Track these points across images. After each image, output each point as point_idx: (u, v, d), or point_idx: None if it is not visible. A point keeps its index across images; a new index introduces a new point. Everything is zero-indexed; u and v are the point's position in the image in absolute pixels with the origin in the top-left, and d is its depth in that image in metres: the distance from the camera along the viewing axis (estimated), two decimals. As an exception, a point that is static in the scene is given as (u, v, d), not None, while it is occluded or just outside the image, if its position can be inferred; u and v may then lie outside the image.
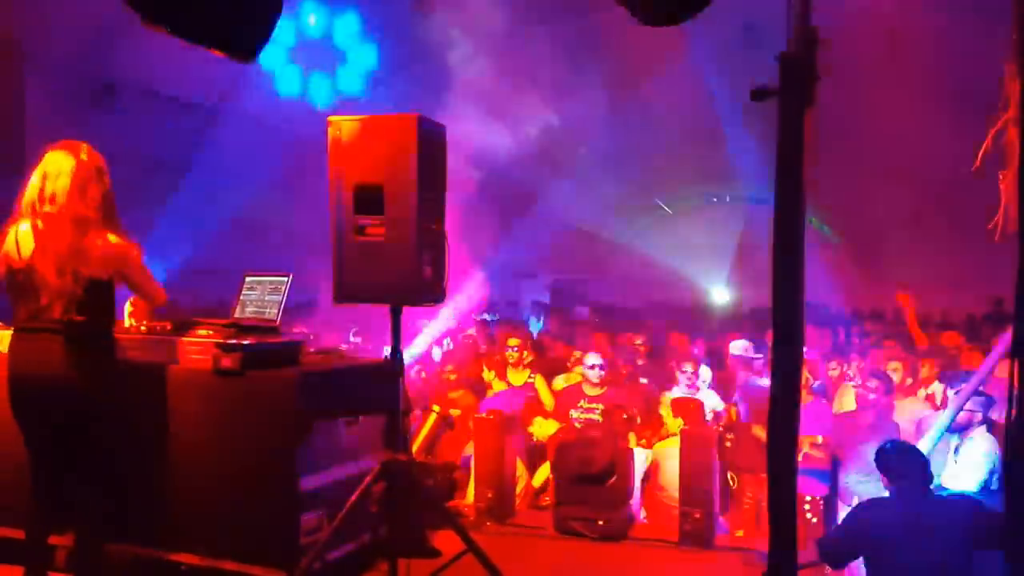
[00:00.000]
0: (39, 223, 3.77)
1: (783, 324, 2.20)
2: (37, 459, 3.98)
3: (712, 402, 7.24)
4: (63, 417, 3.85)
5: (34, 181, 3.81)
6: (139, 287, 4.09)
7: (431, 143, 4.05)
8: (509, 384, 7.81)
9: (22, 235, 3.79)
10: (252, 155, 11.73)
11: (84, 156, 3.85)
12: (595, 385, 7.18)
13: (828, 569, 4.43)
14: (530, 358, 8.25)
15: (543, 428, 7.24)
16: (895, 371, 7.24)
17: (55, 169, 3.80)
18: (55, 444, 3.92)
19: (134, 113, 10.92)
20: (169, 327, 4.56)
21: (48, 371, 3.79)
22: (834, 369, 7.74)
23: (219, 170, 11.61)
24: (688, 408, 6.70)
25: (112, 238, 3.85)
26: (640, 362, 8.92)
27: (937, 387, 6.94)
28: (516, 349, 7.99)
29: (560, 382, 8.14)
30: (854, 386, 7.23)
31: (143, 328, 4.56)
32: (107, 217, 3.86)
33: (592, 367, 7.22)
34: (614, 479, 5.76)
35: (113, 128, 9.80)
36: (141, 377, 4.34)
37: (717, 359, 8.76)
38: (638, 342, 9.37)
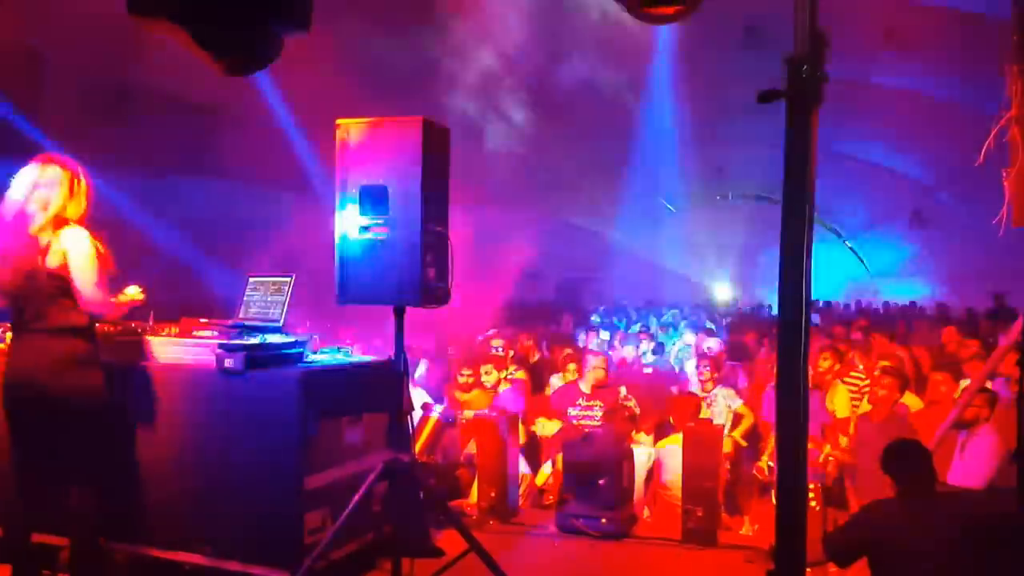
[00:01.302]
0: (7, 229, 3.90)
1: (789, 322, 2.21)
2: (26, 459, 4.01)
3: (727, 398, 7.31)
4: (48, 417, 3.89)
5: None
6: (77, 280, 3.91)
7: (436, 145, 4.07)
8: (507, 381, 7.88)
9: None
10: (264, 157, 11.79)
11: (47, 167, 3.97)
12: (597, 386, 7.22)
13: (832, 567, 4.43)
14: (511, 353, 8.42)
15: (545, 428, 7.26)
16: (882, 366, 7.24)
17: (19, 180, 3.95)
18: (45, 444, 3.94)
19: (148, 118, 10.98)
20: (173, 327, 4.57)
21: (32, 371, 3.86)
22: (826, 359, 7.72)
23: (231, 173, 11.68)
24: (684, 405, 6.71)
25: (63, 232, 3.89)
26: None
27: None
28: (501, 349, 8.19)
29: (557, 381, 8.20)
30: (864, 386, 7.25)
31: (148, 328, 4.57)
32: (62, 217, 3.93)
33: (595, 368, 7.26)
34: (619, 472, 5.79)
35: (127, 133, 9.88)
36: (145, 377, 4.35)
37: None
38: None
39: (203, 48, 2.78)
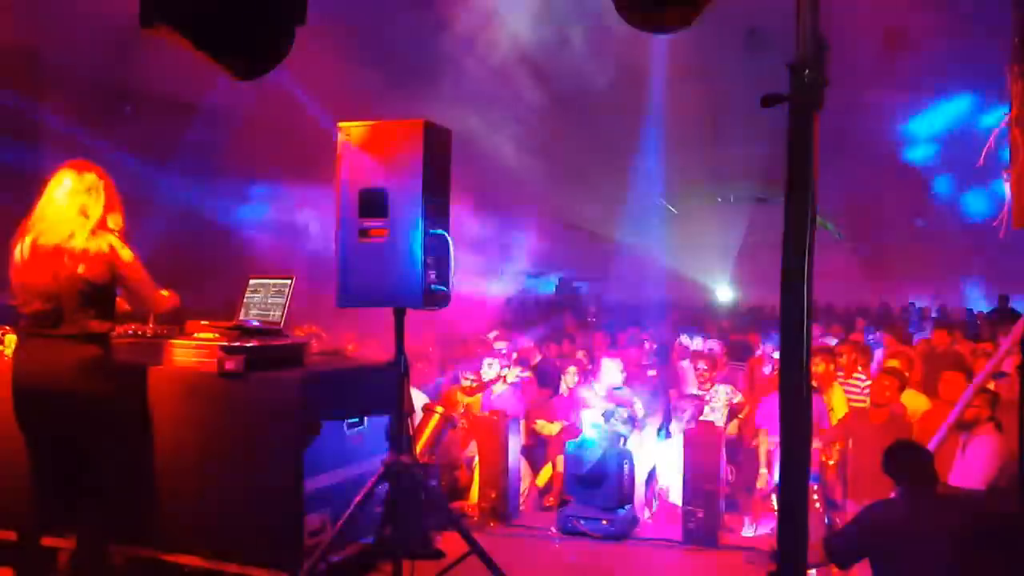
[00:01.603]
0: (38, 236, 3.92)
1: (792, 326, 2.21)
2: (40, 463, 4.02)
3: (727, 394, 7.31)
4: (65, 421, 3.89)
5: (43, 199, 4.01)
6: (135, 291, 4.09)
7: (437, 147, 4.07)
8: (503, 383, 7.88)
9: (25, 246, 3.94)
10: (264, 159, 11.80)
11: (85, 174, 4.00)
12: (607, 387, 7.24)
13: (835, 568, 4.42)
14: (515, 355, 8.44)
15: (545, 428, 7.26)
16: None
17: (56, 185, 3.97)
18: (59, 448, 3.95)
19: (149, 120, 10.98)
20: (174, 330, 4.56)
21: (50, 376, 3.86)
22: (818, 365, 7.69)
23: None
24: (684, 408, 6.71)
25: (107, 239, 3.94)
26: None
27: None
28: (504, 351, 8.22)
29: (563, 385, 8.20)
30: (864, 384, 7.24)
31: (148, 331, 4.57)
32: (104, 225, 3.98)
33: (610, 371, 7.29)
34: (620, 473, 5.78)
35: (128, 135, 9.87)
36: (145, 380, 4.34)
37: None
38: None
39: (207, 54, 2.78)
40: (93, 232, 3.92)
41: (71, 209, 3.92)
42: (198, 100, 11.37)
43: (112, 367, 4.02)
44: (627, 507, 5.85)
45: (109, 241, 3.94)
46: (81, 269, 3.86)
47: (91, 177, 3.99)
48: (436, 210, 4.07)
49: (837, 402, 7.20)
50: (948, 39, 12.04)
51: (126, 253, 3.97)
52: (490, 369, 7.77)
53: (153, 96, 11.16)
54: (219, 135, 11.99)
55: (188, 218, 11.64)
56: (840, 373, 7.54)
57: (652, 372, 8.73)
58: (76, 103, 10.05)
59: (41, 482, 4.02)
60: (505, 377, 7.87)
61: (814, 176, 2.14)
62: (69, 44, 9.73)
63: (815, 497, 5.16)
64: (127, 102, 11.18)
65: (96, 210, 3.95)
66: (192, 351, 4.33)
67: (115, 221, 4.02)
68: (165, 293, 4.28)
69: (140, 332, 4.59)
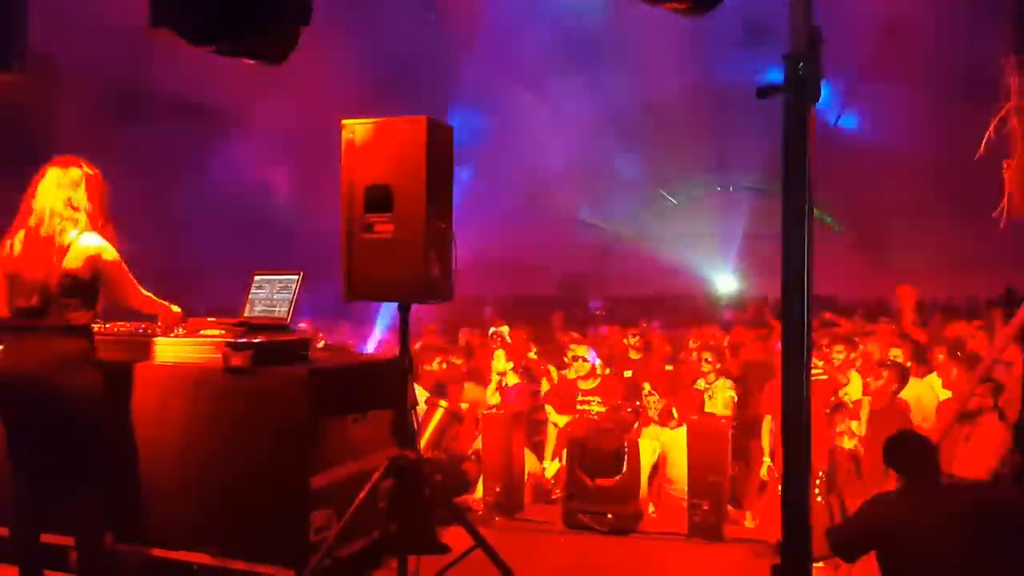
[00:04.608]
0: (28, 231, 3.96)
1: (792, 318, 2.22)
2: (25, 458, 4.03)
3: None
4: (45, 415, 3.90)
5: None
6: (115, 286, 4.10)
7: (439, 144, 4.10)
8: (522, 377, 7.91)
9: (15, 241, 3.98)
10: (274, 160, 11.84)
11: (69, 168, 4.06)
12: (586, 378, 7.25)
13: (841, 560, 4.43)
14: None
15: (554, 419, 7.28)
16: (896, 357, 7.22)
17: (41, 181, 4.03)
18: (42, 442, 3.95)
19: (162, 121, 11.02)
20: (180, 326, 4.58)
21: (31, 370, 3.88)
22: (840, 352, 7.70)
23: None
24: (687, 400, 6.72)
25: (95, 238, 3.98)
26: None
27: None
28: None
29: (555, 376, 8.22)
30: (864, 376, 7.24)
31: (153, 328, 4.59)
32: (92, 221, 4.02)
33: (582, 360, 7.32)
34: (625, 469, 5.79)
35: (141, 136, 9.91)
36: (153, 377, 4.36)
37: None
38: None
39: (215, 51, 2.80)
40: (82, 228, 3.96)
41: (58, 203, 3.95)
42: (208, 101, 11.39)
43: (90, 360, 4.02)
44: (632, 500, 5.86)
45: (96, 241, 3.97)
46: (66, 264, 3.89)
47: (75, 171, 4.04)
48: (439, 205, 4.10)
49: (854, 390, 7.21)
50: (948, 25, 12.01)
51: (111, 250, 4.01)
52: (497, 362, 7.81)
53: (166, 98, 11.20)
54: (229, 136, 12.03)
55: (199, 217, 11.69)
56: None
57: (669, 367, 8.72)
58: (90, 103, 10.09)
59: (25, 478, 4.03)
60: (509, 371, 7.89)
61: (811, 166, 2.15)
62: (84, 48, 9.76)
63: (816, 491, 5.17)
64: (142, 105, 11.23)
65: (83, 202, 3.99)
66: (198, 347, 4.35)
67: (97, 214, 4.05)
68: (148, 295, 4.30)
69: (148, 330, 4.60)
